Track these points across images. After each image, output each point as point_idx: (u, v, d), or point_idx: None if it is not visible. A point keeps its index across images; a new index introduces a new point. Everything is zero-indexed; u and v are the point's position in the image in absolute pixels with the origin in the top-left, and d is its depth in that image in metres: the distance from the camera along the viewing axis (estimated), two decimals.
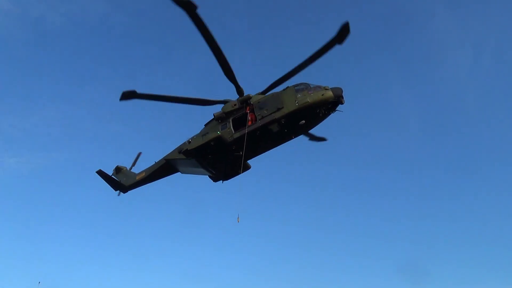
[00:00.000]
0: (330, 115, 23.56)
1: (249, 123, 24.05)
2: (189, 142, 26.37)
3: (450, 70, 68.07)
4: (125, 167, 32.79)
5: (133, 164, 33.32)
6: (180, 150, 26.66)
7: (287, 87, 23.91)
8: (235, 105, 25.51)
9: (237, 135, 24.17)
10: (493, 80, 66.29)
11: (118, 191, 31.75)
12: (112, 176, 32.02)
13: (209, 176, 27.58)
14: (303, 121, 22.90)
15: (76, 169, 77.79)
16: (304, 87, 23.24)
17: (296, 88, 23.47)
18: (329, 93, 22.40)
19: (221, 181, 27.47)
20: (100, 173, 31.02)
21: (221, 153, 24.94)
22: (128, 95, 23.68)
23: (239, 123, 24.96)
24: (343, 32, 20.42)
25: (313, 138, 29.26)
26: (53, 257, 71.06)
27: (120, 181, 31.49)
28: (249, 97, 25.35)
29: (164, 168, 28.80)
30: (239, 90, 25.33)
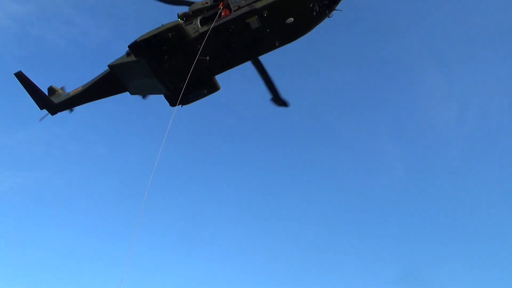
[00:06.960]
0: (327, 18, 19.25)
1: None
2: None
3: (436, 123, 71.51)
4: (62, 90, 24.86)
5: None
6: (128, 52, 20.95)
7: None
8: (206, 2, 20.81)
9: (204, 29, 19.31)
10: (477, 135, 70.54)
11: (45, 110, 24.16)
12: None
13: (165, 96, 22.03)
14: (291, 19, 18.75)
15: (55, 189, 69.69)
16: None
17: None
18: None
19: (180, 105, 21.37)
20: (20, 76, 22.21)
21: (181, 54, 19.68)
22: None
23: (209, 21, 20.08)
24: None
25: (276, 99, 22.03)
26: None
27: (48, 96, 24.10)
28: None
29: (107, 80, 22.05)
30: None
